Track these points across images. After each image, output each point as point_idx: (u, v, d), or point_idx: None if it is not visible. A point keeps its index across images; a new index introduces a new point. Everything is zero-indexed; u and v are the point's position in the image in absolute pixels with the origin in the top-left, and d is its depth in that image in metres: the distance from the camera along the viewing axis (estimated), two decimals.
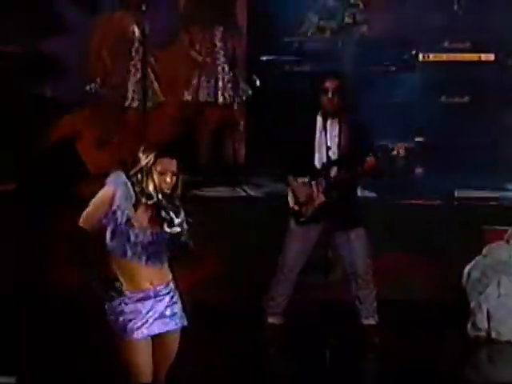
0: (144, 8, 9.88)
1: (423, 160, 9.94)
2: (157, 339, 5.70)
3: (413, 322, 8.46)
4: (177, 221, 5.58)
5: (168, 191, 5.56)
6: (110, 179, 5.57)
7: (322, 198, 7.92)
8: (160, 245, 5.61)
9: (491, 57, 10.14)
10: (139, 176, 5.54)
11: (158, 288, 5.62)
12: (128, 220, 5.54)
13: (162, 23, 10.09)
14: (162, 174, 5.55)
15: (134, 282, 5.59)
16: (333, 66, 9.68)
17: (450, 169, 9.65)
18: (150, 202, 5.55)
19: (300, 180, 8.01)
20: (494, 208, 9.24)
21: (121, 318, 5.59)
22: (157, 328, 5.64)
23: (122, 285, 5.50)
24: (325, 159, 7.93)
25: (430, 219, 9.17)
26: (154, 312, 5.64)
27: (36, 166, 9.71)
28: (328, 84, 7.94)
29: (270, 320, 8.13)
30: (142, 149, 5.61)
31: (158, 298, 5.66)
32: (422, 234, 8.99)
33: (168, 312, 5.66)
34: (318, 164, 7.97)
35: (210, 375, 7.35)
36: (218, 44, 10.15)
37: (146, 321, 5.62)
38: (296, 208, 8.02)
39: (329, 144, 7.93)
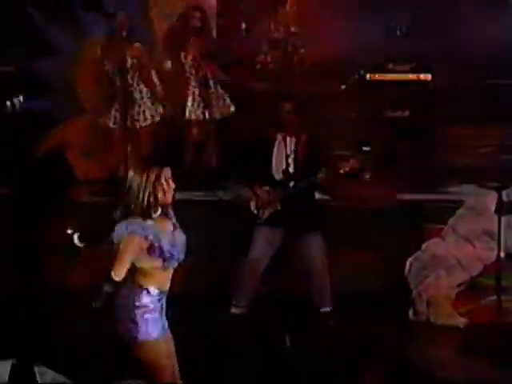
0: (127, 34, 9.75)
1: (371, 167, 9.74)
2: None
3: (363, 308, 8.42)
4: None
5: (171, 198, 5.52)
6: (121, 232, 5.39)
7: (277, 205, 7.98)
8: (177, 249, 5.52)
9: (428, 77, 10.26)
10: (146, 194, 5.43)
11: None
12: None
13: (144, 51, 9.90)
14: (166, 183, 5.47)
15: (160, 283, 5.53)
16: (293, 87, 9.83)
17: (394, 174, 9.68)
18: (160, 213, 5.46)
19: (263, 188, 7.98)
20: (432, 209, 9.15)
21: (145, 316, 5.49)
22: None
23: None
24: (282, 172, 7.99)
25: (377, 219, 9.07)
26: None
27: (30, 172, 9.61)
28: (286, 105, 8.01)
29: (234, 311, 8.15)
30: (132, 169, 5.57)
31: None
32: (371, 233, 8.97)
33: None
34: (276, 175, 8.01)
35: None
36: (192, 70, 9.95)
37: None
38: (255, 211, 8.08)
39: (287, 158, 7.99)
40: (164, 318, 5.60)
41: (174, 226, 5.55)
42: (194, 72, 9.95)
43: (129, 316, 5.48)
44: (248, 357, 7.59)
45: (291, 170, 8.00)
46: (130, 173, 5.54)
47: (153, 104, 9.92)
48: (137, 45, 9.80)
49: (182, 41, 10.03)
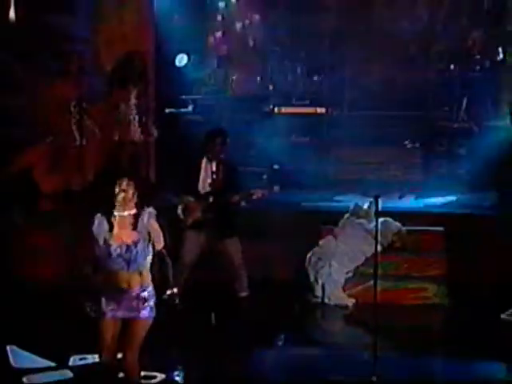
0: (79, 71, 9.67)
1: (279, 181, 9.99)
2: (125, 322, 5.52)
3: (272, 293, 8.52)
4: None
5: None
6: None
7: (198, 214, 7.92)
8: (137, 253, 5.40)
9: (322, 110, 10.50)
10: (112, 202, 5.41)
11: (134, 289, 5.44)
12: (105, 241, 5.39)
13: (94, 87, 9.89)
14: (123, 191, 5.42)
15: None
16: (216, 117, 9.88)
17: (298, 187, 9.85)
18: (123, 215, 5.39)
19: (190, 199, 7.93)
20: (327, 214, 9.16)
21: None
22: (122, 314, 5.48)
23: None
24: (206, 188, 7.97)
25: (284, 222, 9.10)
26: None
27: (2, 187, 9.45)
28: (211, 139, 7.98)
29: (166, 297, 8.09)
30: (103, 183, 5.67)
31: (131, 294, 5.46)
32: (279, 232, 8.97)
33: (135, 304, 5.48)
34: (202, 190, 7.97)
35: None
36: (134, 100, 9.91)
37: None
38: (181, 218, 7.98)
39: (211, 177, 7.96)
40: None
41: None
42: (135, 102, 9.90)
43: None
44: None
45: (213, 187, 7.96)
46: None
47: (101, 127, 9.82)
48: (91, 79, 9.80)
49: (128, 80, 9.96)
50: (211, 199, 7.95)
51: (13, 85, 9.66)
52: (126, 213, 5.45)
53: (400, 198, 9.51)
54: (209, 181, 8.01)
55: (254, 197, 7.95)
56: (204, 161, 8.04)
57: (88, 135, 9.87)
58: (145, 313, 5.50)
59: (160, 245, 5.51)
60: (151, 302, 5.54)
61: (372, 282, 6.85)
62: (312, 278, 8.68)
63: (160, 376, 6.64)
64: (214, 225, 7.92)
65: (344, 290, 8.60)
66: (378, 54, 10.43)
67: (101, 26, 10.10)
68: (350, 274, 8.64)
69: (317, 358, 7.15)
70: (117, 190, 5.44)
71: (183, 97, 10.76)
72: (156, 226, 5.49)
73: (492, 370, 6.88)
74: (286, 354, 7.25)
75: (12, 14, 9.47)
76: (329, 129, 10.36)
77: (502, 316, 7.96)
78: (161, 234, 5.52)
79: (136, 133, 9.99)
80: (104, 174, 9.84)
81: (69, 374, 6.78)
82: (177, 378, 6.83)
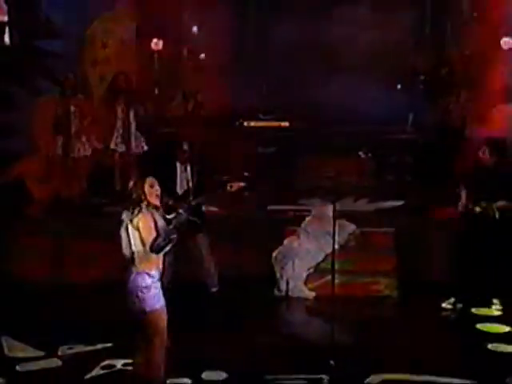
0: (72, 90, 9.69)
1: (249, 187, 9.59)
2: None
3: (242, 287, 8.43)
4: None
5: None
6: (139, 216, 5.32)
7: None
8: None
9: (286, 124, 10.60)
10: (142, 197, 5.35)
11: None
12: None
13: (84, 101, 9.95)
14: (151, 186, 5.43)
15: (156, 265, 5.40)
16: (190, 131, 9.64)
17: (265, 192, 9.74)
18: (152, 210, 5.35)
19: (169, 200, 7.76)
20: (291, 216, 9.19)
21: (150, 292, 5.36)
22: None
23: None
24: (183, 190, 8.01)
25: (253, 224, 9.04)
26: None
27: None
28: (180, 148, 8.02)
29: None
30: (131, 183, 5.47)
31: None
32: (248, 233, 8.89)
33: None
34: (179, 192, 8.01)
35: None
36: (121, 115, 9.93)
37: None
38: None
39: (186, 181, 8.00)
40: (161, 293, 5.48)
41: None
42: (120, 118, 9.91)
43: (137, 294, 5.40)
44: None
45: (189, 189, 7.98)
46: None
47: (88, 140, 9.84)
48: (79, 96, 9.83)
49: (114, 96, 9.99)
50: (188, 199, 7.90)
51: (9, 103, 9.62)
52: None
53: (355, 201, 9.56)
54: (184, 184, 7.99)
55: (233, 189, 7.85)
56: (178, 166, 8.03)
57: (80, 147, 9.79)
58: None
59: None
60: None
61: (330, 277, 6.88)
62: (278, 274, 8.68)
63: None
64: (189, 222, 7.75)
65: (306, 284, 8.60)
66: (334, 75, 10.46)
67: (88, 49, 10.26)
68: (312, 270, 8.63)
69: (281, 344, 7.16)
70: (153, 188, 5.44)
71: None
72: None
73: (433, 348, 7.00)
74: (252, 342, 7.21)
75: (7, 39, 9.46)
76: (292, 141, 10.37)
77: (443, 305, 8.10)
78: None
79: (126, 145, 9.94)
80: (94, 182, 9.90)
81: (58, 362, 6.80)
82: None
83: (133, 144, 9.97)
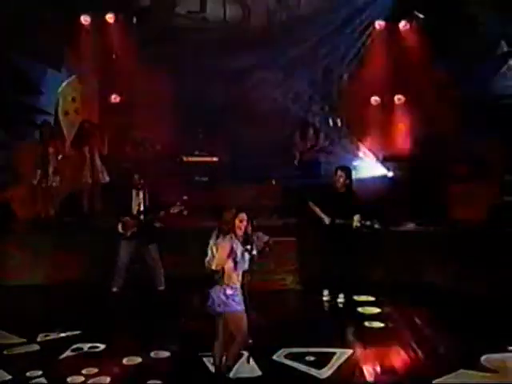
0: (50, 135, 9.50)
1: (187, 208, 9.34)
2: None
3: (187, 286, 7.82)
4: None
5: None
6: (222, 241, 5.28)
7: (134, 228, 7.82)
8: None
9: (216, 159, 10.45)
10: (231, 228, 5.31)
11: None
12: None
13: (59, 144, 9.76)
14: (240, 221, 5.36)
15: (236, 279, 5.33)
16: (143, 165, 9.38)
17: (200, 211, 9.22)
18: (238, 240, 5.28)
19: (127, 218, 7.82)
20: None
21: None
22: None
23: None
24: (137, 210, 7.87)
25: (191, 237, 8.54)
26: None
27: None
28: (133, 177, 7.92)
29: (113, 289, 7.85)
30: (226, 214, 5.36)
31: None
32: (188, 243, 8.50)
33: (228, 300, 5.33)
34: (134, 211, 7.86)
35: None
36: (88, 154, 9.76)
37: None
38: (121, 231, 7.83)
39: (139, 202, 7.89)
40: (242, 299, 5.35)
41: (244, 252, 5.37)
42: (88, 156, 9.79)
43: (223, 300, 5.33)
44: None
45: (142, 208, 7.88)
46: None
47: (62, 173, 9.66)
48: (55, 141, 9.66)
49: (81, 140, 9.87)
50: (141, 217, 7.82)
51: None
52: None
53: (269, 217, 9.52)
54: (137, 205, 7.90)
55: (175, 211, 7.71)
56: (133, 192, 7.94)
57: (55, 179, 9.63)
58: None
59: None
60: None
61: (251, 276, 6.67)
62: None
63: None
64: (142, 235, 7.85)
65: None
66: (251, 123, 10.40)
67: (61, 103, 9.99)
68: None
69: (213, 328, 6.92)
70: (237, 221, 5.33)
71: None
72: None
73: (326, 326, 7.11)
74: (190, 327, 7.07)
75: None
76: (220, 171, 10.35)
77: (324, 299, 8.08)
78: None
79: (92, 177, 9.80)
80: (67, 205, 9.72)
81: (36, 347, 6.69)
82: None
83: (98, 176, 9.85)
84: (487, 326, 6.89)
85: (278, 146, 10.25)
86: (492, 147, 9.23)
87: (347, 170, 8.09)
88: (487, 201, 8.98)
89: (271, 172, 10.15)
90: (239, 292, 5.41)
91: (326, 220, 7.86)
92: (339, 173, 7.99)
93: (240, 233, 5.37)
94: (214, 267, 5.28)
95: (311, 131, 10.55)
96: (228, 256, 5.31)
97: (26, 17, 9.21)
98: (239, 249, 5.36)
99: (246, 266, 5.42)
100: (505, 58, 8.89)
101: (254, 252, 5.37)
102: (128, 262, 7.90)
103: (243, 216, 5.37)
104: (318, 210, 7.93)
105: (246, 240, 5.33)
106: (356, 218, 7.80)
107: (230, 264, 5.33)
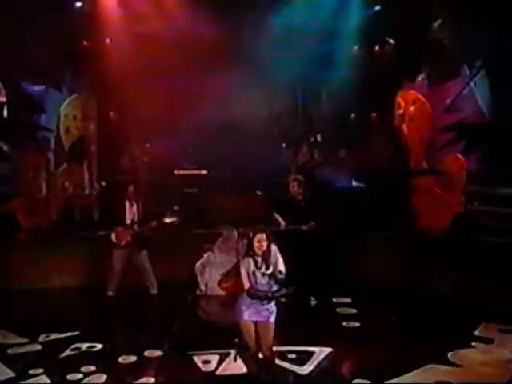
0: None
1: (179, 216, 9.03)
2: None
3: (176, 290, 8.13)
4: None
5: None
6: (241, 263, 5.17)
7: (128, 238, 7.68)
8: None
9: (205, 172, 10.25)
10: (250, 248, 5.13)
11: None
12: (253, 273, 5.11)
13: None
14: (258, 242, 5.11)
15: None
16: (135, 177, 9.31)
17: (191, 220, 9.08)
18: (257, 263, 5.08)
19: (120, 228, 7.70)
20: (208, 235, 8.77)
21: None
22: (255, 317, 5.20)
23: None
24: (131, 220, 7.76)
25: (182, 243, 8.63)
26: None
27: None
28: (126, 188, 7.77)
29: (109, 293, 7.73)
30: (250, 235, 5.12)
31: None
32: (178, 250, 8.51)
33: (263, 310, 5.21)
34: (128, 222, 7.75)
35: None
36: (86, 168, 9.81)
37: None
38: (115, 241, 7.71)
39: (132, 213, 7.75)
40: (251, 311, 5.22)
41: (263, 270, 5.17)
42: (86, 170, 9.79)
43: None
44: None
45: (135, 219, 7.76)
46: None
47: (62, 185, 9.61)
48: (55, 155, 9.60)
49: (72, 158, 9.78)
50: (135, 227, 7.69)
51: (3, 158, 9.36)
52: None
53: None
54: (130, 216, 7.78)
55: (168, 221, 7.59)
56: (127, 203, 7.83)
57: (53, 190, 9.56)
58: None
59: None
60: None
61: (235, 280, 6.70)
62: (199, 279, 8.57)
63: None
64: (134, 244, 7.77)
65: (219, 286, 8.49)
66: (238, 141, 10.37)
67: (62, 120, 9.84)
68: (223, 276, 8.48)
69: (201, 328, 7.12)
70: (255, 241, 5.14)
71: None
72: None
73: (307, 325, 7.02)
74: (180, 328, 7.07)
75: (5, 112, 9.30)
76: (208, 184, 10.25)
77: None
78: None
79: (86, 188, 9.78)
80: (65, 215, 9.62)
81: (38, 346, 6.65)
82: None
83: (94, 188, 9.85)
84: (452, 325, 6.93)
85: (263, 160, 10.09)
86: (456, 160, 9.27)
87: (300, 180, 7.99)
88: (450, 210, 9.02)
89: (257, 184, 10.07)
90: (248, 303, 5.33)
91: (282, 226, 7.79)
92: (292, 182, 7.93)
93: (259, 253, 5.15)
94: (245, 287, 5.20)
95: (305, 148, 10.54)
96: (247, 280, 5.23)
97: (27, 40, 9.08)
98: (251, 269, 5.20)
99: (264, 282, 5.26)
100: (467, 81, 8.93)
101: (270, 271, 5.13)
102: (121, 269, 7.80)
103: (261, 237, 5.12)
104: (278, 217, 7.88)
105: (265, 260, 5.11)
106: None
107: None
